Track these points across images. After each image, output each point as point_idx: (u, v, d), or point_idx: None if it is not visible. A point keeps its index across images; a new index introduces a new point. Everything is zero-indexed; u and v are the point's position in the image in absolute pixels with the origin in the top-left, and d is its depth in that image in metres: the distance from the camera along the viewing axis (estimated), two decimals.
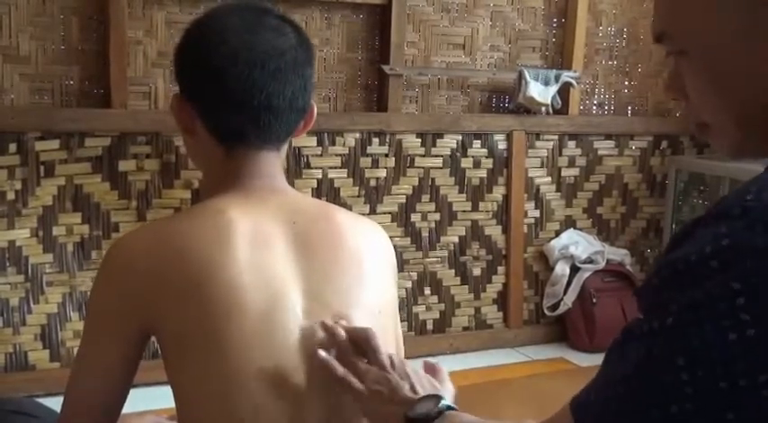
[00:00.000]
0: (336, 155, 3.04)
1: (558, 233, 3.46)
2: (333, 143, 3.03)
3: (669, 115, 3.70)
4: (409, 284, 3.21)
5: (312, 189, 2.99)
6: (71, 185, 2.70)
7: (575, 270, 3.36)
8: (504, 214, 3.35)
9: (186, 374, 1.05)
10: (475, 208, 3.30)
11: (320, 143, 3.00)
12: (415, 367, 1.08)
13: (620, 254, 3.50)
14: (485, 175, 3.30)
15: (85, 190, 2.73)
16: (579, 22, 3.37)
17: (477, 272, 3.33)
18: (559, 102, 3.32)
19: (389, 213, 3.15)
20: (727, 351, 0.64)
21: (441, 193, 3.23)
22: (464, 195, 3.28)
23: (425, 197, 3.20)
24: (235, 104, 1.11)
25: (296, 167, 2.97)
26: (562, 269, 3.36)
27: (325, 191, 3.02)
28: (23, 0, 2.63)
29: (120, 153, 2.74)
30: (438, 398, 1.01)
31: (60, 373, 2.25)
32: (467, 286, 3.32)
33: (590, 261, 3.38)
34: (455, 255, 3.29)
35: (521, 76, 3.22)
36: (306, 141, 2.96)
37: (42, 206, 2.68)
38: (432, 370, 1.13)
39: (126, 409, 1.12)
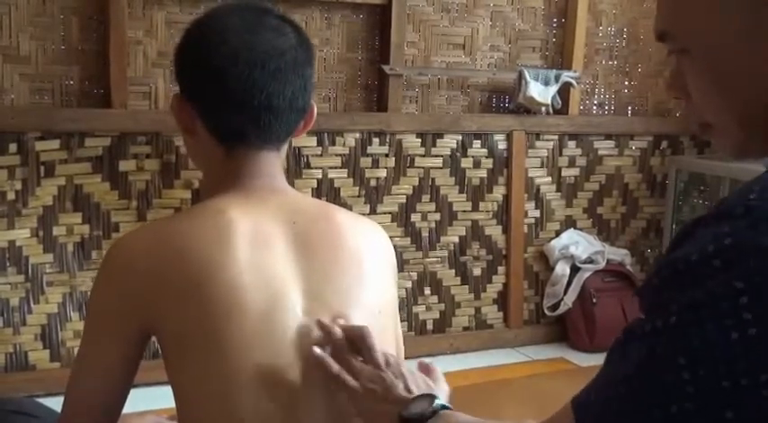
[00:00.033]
0: (336, 155, 3.04)
1: (558, 233, 3.46)
2: (333, 143, 3.03)
3: (669, 115, 3.70)
4: (409, 284, 3.22)
5: (312, 189, 2.99)
6: (71, 185, 2.70)
7: (575, 270, 3.36)
8: (504, 214, 3.35)
9: (186, 374, 1.05)
10: (475, 208, 3.30)
11: (320, 143, 3.00)
12: (410, 367, 1.08)
13: (620, 254, 3.50)
14: (485, 175, 3.30)
15: (86, 190, 2.73)
16: (579, 22, 3.37)
17: (477, 272, 3.33)
18: (559, 102, 3.32)
19: (389, 213, 3.15)
20: (729, 350, 0.64)
21: (441, 193, 3.23)
22: (464, 195, 3.28)
23: (425, 197, 3.20)
24: (235, 104, 1.11)
25: (296, 167, 2.97)
26: (562, 269, 3.36)
27: (326, 191, 3.02)
28: (23, 0, 2.63)
29: (120, 153, 2.75)
30: (432, 397, 1.01)
31: (60, 373, 2.25)
32: (467, 286, 3.32)
33: (590, 261, 3.38)
34: (455, 255, 3.29)
35: (521, 76, 3.22)
36: (306, 141, 2.96)
37: (42, 206, 2.68)
38: (426, 370, 1.13)
39: (126, 409, 1.12)
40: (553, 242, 3.42)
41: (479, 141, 3.27)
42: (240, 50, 1.10)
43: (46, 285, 2.70)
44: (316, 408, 1.05)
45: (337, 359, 1.04)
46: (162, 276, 1.04)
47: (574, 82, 3.33)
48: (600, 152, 3.53)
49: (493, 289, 3.37)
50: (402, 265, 3.11)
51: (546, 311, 3.41)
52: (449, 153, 3.22)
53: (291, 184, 1.30)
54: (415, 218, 3.20)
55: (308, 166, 2.99)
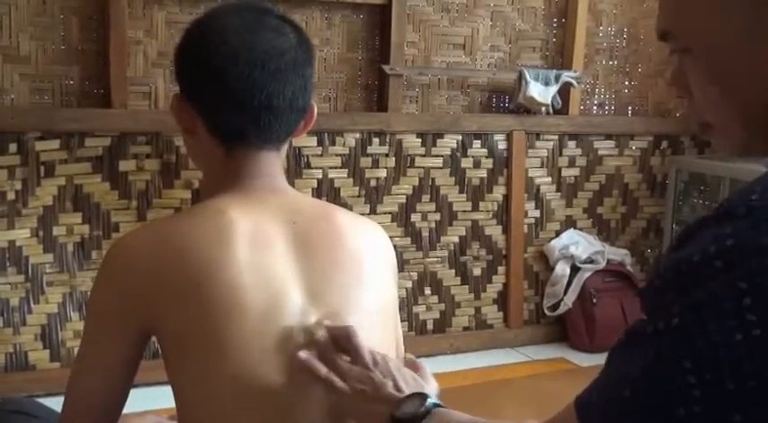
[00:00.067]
0: (337, 155, 3.04)
1: (558, 233, 3.46)
2: (333, 143, 3.03)
3: (669, 115, 3.70)
4: (409, 284, 3.21)
5: (312, 189, 2.99)
6: (71, 185, 2.70)
7: (575, 270, 3.36)
8: (504, 214, 3.35)
9: (186, 374, 1.05)
10: (475, 208, 3.30)
11: (320, 143, 3.00)
12: (398, 364, 1.08)
13: (620, 254, 3.50)
14: (485, 175, 3.30)
15: (86, 190, 2.73)
16: (579, 22, 3.37)
17: (477, 272, 3.33)
18: (559, 102, 3.32)
19: (390, 213, 3.15)
20: (733, 352, 0.64)
21: (441, 193, 3.23)
22: (464, 195, 3.28)
23: (426, 197, 3.20)
24: (235, 104, 1.11)
25: (296, 167, 2.97)
26: (562, 269, 3.36)
27: (326, 191, 3.02)
28: (23, 0, 2.63)
29: (120, 153, 2.75)
30: (424, 396, 1.00)
31: (61, 373, 2.25)
32: (467, 286, 3.32)
33: (590, 261, 3.38)
34: (455, 255, 3.29)
35: (521, 76, 3.22)
36: (306, 141, 2.96)
37: (42, 206, 2.68)
38: (413, 367, 1.12)
39: (126, 409, 1.12)
40: (553, 242, 3.42)
41: (479, 141, 3.27)
42: (240, 50, 1.10)
43: (46, 285, 2.70)
44: (315, 408, 1.05)
45: (324, 361, 1.04)
46: (162, 276, 1.04)
47: (574, 82, 3.33)
48: (600, 152, 3.53)
49: (493, 289, 3.37)
50: (402, 265, 3.11)
51: (546, 311, 3.41)
52: (449, 153, 3.22)
53: (291, 184, 1.30)
54: (415, 218, 3.20)
55: (308, 166, 2.99)
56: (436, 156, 3.21)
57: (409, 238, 3.20)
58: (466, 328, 3.33)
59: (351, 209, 2.85)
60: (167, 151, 2.80)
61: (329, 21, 3.06)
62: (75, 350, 1.15)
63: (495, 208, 3.33)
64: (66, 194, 2.70)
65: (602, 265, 3.38)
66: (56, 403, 1.23)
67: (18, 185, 2.63)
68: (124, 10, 2.71)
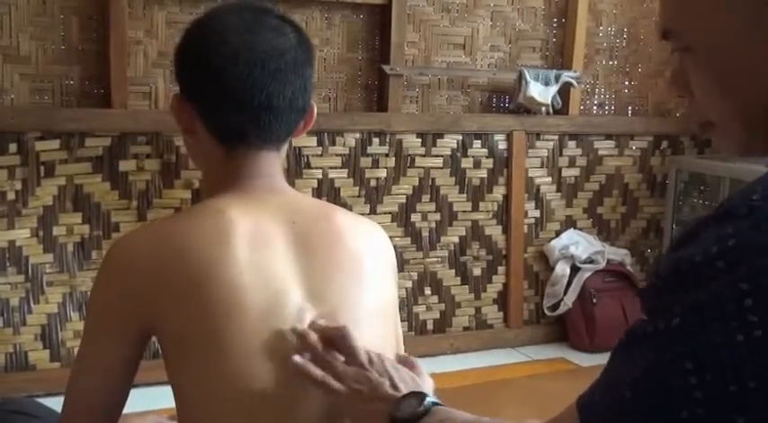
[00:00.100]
0: (337, 155, 3.04)
1: (558, 233, 3.46)
2: (333, 143, 3.03)
3: (669, 115, 3.70)
4: (409, 284, 3.22)
5: (312, 189, 2.99)
6: (71, 185, 2.70)
7: (575, 270, 3.36)
8: (504, 214, 3.35)
9: (186, 374, 1.05)
10: (475, 208, 3.30)
11: (320, 143, 3.00)
12: (394, 363, 1.08)
13: (620, 254, 3.50)
14: (485, 175, 3.30)
15: (86, 190, 2.73)
16: (579, 22, 3.38)
17: (477, 272, 3.33)
18: (560, 102, 3.32)
19: (390, 213, 3.15)
20: (735, 353, 0.63)
21: (441, 193, 3.23)
22: (464, 195, 3.28)
23: (426, 197, 3.20)
24: (235, 104, 1.11)
25: (296, 167, 2.97)
26: (562, 269, 3.36)
27: (326, 191, 3.02)
28: (24, 0, 2.63)
29: (120, 153, 2.75)
30: (422, 395, 1.00)
31: (60, 373, 2.25)
32: (467, 286, 3.32)
33: (590, 261, 3.38)
34: (455, 255, 3.29)
35: (521, 76, 3.22)
36: (306, 141, 2.96)
37: (42, 206, 2.68)
38: (408, 365, 1.12)
39: (126, 409, 1.12)
40: (553, 242, 3.42)
41: (479, 141, 3.27)
42: (240, 50, 1.10)
43: (46, 285, 2.71)
44: (315, 407, 1.05)
45: (319, 363, 1.04)
46: (162, 276, 1.04)
47: (574, 82, 3.33)
48: (600, 152, 3.53)
49: (493, 289, 3.37)
50: (402, 265, 3.12)
51: (546, 311, 3.41)
52: (449, 153, 3.22)
53: (292, 184, 1.30)
54: (415, 218, 3.20)
55: (308, 166, 2.99)
56: (436, 156, 3.21)
57: (409, 238, 3.20)
58: (466, 328, 3.33)
59: (351, 209, 2.85)
60: (167, 151, 2.80)
61: (329, 21, 3.06)
62: (76, 350, 1.15)
63: (496, 208, 3.33)
64: (66, 194, 2.70)
65: (602, 265, 3.38)
66: (56, 403, 1.23)
67: (18, 185, 2.63)
68: (124, 10, 2.71)
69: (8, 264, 2.65)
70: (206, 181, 1.26)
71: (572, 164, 3.47)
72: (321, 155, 3.01)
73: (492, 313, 3.38)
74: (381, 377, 1.03)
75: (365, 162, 3.08)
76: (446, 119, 3.22)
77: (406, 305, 3.19)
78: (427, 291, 3.26)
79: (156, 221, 1.65)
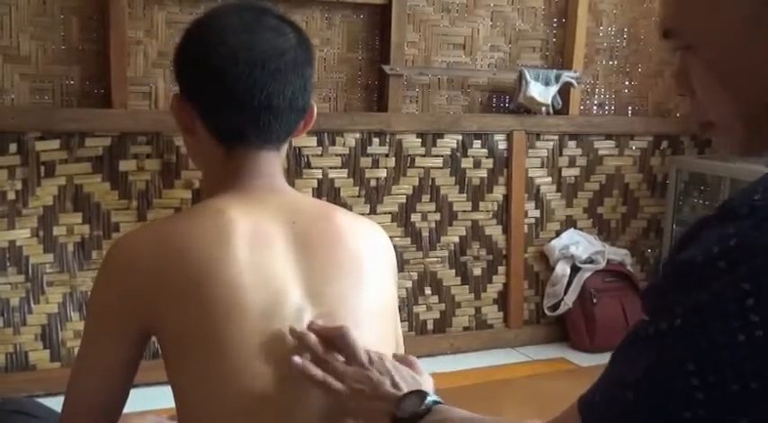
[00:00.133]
0: (337, 155, 3.04)
1: (558, 233, 3.46)
2: (333, 143, 3.03)
3: (669, 115, 3.70)
4: (410, 284, 3.21)
5: (312, 189, 2.99)
6: (71, 185, 2.70)
7: (575, 270, 3.36)
8: (504, 214, 3.35)
9: (186, 374, 1.05)
10: (475, 208, 3.30)
11: (320, 143, 3.00)
12: (394, 362, 1.08)
13: (620, 254, 3.50)
14: (485, 175, 3.30)
15: (86, 190, 2.73)
16: (579, 22, 3.37)
17: (477, 272, 3.33)
18: (560, 102, 3.32)
19: (390, 213, 3.15)
20: (736, 353, 0.63)
21: (441, 193, 3.23)
22: (464, 195, 3.28)
23: (426, 197, 3.20)
24: (235, 104, 1.11)
25: (296, 167, 2.97)
26: (562, 269, 3.36)
27: (326, 191, 3.02)
28: (24, 0, 2.63)
29: (120, 153, 2.75)
30: (422, 393, 1.00)
31: (61, 373, 2.25)
32: (467, 286, 3.32)
33: (590, 261, 3.38)
34: (455, 255, 3.29)
35: (521, 76, 3.22)
36: (306, 141, 2.96)
37: (43, 206, 2.68)
38: (407, 364, 1.12)
39: (126, 409, 1.12)
40: (553, 242, 3.42)
41: (480, 141, 3.27)
42: (239, 50, 1.10)
43: (46, 285, 2.71)
44: (315, 407, 1.05)
45: (320, 363, 1.04)
46: (162, 276, 1.04)
47: (574, 82, 3.33)
48: (600, 152, 3.53)
49: (493, 289, 3.37)
50: (402, 265, 3.12)
51: (546, 311, 3.41)
52: (449, 153, 3.22)
53: (292, 184, 1.30)
54: (415, 218, 3.20)
55: (308, 165, 2.99)
56: (436, 156, 3.21)
57: (409, 238, 3.20)
58: (466, 328, 3.33)
59: (351, 209, 2.85)
60: (167, 151, 2.80)
61: (329, 21, 3.06)
62: (76, 350, 1.15)
63: (496, 208, 3.33)
64: (66, 194, 2.70)
65: (603, 265, 3.38)
66: (56, 403, 1.23)
67: (18, 185, 2.63)
68: (124, 10, 2.71)
69: (8, 264, 2.65)
70: (206, 181, 1.26)
71: (572, 164, 3.47)
72: (321, 155, 3.01)
73: (492, 313, 3.38)
74: (382, 376, 1.03)
75: (365, 162, 3.08)
76: (446, 119, 3.22)
77: (406, 305, 3.19)
78: (427, 291, 3.26)
79: (156, 221, 1.65)
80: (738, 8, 0.73)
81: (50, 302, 2.71)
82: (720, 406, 0.65)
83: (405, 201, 3.17)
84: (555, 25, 3.43)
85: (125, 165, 2.76)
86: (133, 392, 1.11)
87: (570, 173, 3.47)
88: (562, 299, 3.35)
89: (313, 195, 2.92)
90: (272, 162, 1.16)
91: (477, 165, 3.28)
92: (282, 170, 1.21)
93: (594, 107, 3.59)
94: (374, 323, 1.11)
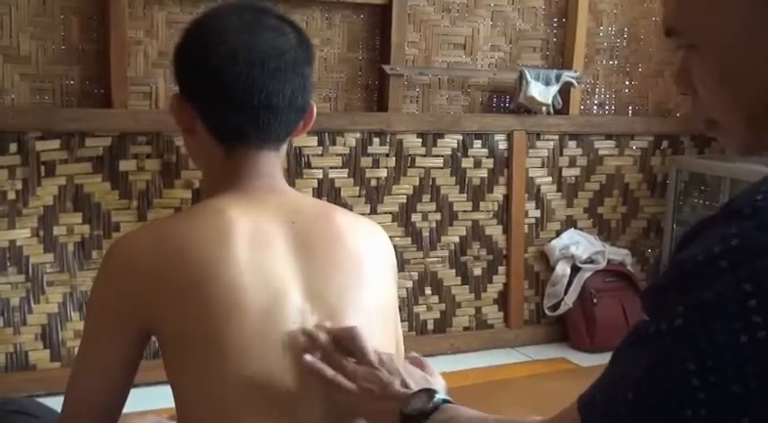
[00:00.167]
0: (337, 155, 3.04)
1: (558, 233, 3.46)
2: (333, 143, 3.02)
3: (670, 115, 3.70)
4: (410, 284, 3.21)
5: (313, 189, 2.99)
6: (72, 185, 2.70)
7: (575, 270, 3.36)
8: (504, 214, 3.35)
9: (186, 374, 1.05)
10: (475, 208, 3.30)
11: (321, 143, 3.00)
12: (404, 363, 1.08)
13: (620, 254, 3.50)
14: (485, 175, 3.30)
15: (86, 190, 2.73)
16: (580, 21, 3.37)
17: (477, 272, 3.33)
18: (560, 102, 3.32)
19: (390, 213, 3.15)
20: (738, 354, 0.63)
21: (441, 193, 3.23)
22: (465, 195, 3.27)
23: (426, 197, 3.20)
24: (234, 104, 1.11)
25: (297, 167, 2.97)
26: (563, 269, 3.36)
27: (326, 191, 3.02)
28: (24, 0, 2.63)
29: (120, 153, 2.75)
30: (432, 392, 1.00)
31: (61, 373, 2.25)
32: (467, 286, 3.32)
33: (591, 261, 3.38)
34: (456, 255, 3.29)
35: (521, 76, 3.22)
36: (306, 141, 2.96)
37: (43, 206, 2.68)
38: (419, 365, 1.12)
39: (126, 408, 1.12)
40: (554, 242, 3.42)
41: (480, 141, 3.27)
42: (239, 50, 1.10)
43: (46, 285, 2.71)
44: (315, 408, 1.05)
45: (330, 363, 1.04)
46: (162, 276, 1.04)
47: (574, 82, 3.32)
48: (600, 152, 3.52)
49: (493, 289, 3.37)
50: (402, 265, 3.12)
51: (546, 311, 3.41)
52: (449, 153, 3.22)
53: (292, 183, 1.30)
54: (415, 218, 3.20)
55: (308, 165, 2.99)
56: (437, 156, 3.21)
57: (410, 238, 3.20)
58: (466, 328, 3.33)
59: (351, 209, 2.85)
60: (168, 151, 2.80)
61: (330, 21, 3.06)
62: (76, 350, 1.15)
63: (496, 208, 3.33)
64: (66, 194, 2.70)
65: (603, 265, 3.38)
66: (56, 403, 1.22)
67: (18, 185, 2.63)
68: (124, 10, 2.71)
69: (9, 263, 2.65)
70: (206, 181, 1.26)
71: (572, 164, 3.47)
72: (321, 155, 3.01)
73: (492, 313, 3.38)
74: (392, 376, 1.03)
75: (365, 162, 3.08)
76: (446, 119, 3.22)
77: (407, 305, 3.19)
78: (428, 291, 3.25)
79: (157, 221, 1.65)
80: (738, 8, 0.73)
81: (50, 302, 2.71)
82: (721, 406, 0.65)
83: (405, 201, 3.17)
84: (555, 25, 3.43)
85: (125, 165, 2.76)
86: (133, 392, 1.11)
87: (570, 173, 3.47)
88: (562, 299, 3.35)
89: (313, 195, 2.92)
90: (272, 162, 1.16)
91: (477, 165, 3.28)
92: (282, 170, 1.21)
93: (595, 107, 3.59)
94: (374, 323, 1.11)
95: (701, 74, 0.77)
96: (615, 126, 3.55)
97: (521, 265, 3.39)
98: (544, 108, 3.26)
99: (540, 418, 0.87)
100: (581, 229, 3.50)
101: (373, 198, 3.11)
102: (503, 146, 3.31)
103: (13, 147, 2.61)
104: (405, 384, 1.02)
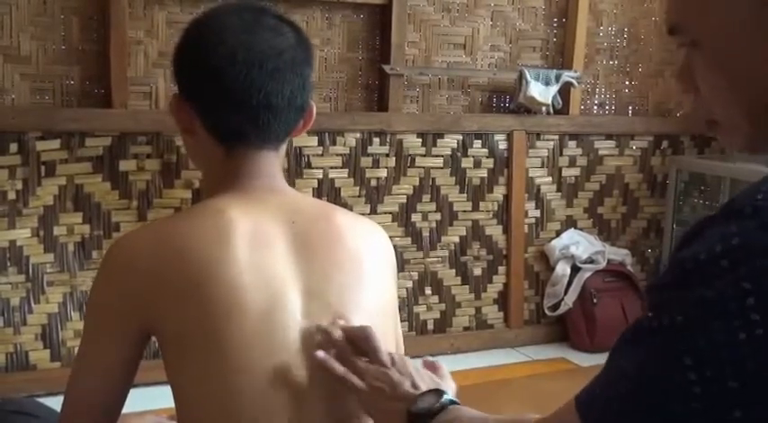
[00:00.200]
0: (337, 155, 3.04)
1: (558, 233, 3.46)
2: (333, 143, 3.03)
3: (670, 115, 3.70)
4: (410, 284, 3.22)
5: (313, 189, 2.99)
6: (72, 185, 2.70)
7: (575, 270, 3.36)
8: (504, 214, 3.35)
9: (186, 374, 1.05)
10: (475, 208, 3.30)
11: (321, 143, 3.00)
12: (416, 364, 1.09)
13: (620, 254, 3.50)
14: (485, 175, 3.30)
15: (86, 190, 2.73)
16: (580, 21, 3.37)
17: (477, 272, 3.33)
18: (560, 102, 3.32)
19: (390, 213, 3.15)
20: (736, 351, 0.64)
21: (441, 193, 3.23)
22: (465, 195, 3.28)
23: (426, 197, 3.20)
24: (234, 104, 1.11)
25: (297, 167, 2.97)
26: (563, 269, 3.36)
27: (326, 191, 3.02)
28: (24, 0, 2.63)
29: (120, 153, 2.75)
30: (440, 392, 1.01)
31: (61, 373, 2.25)
32: (467, 286, 3.32)
33: (591, 261, 3.38)
34: (456, 255, 3.29)
35: (521, 76, 3.22)
36: (307, 141, 2.96)
37: (43, 206, 2.68)
38: (432, 367, 1.13)
39: (126, 408, 1.12)
40: (554, 242, 3.42)
41: (480, 141, 3.27)
42: (238, 50, 1.10)
43: (46, 285, 2.71)
44: (315, 408, 1.05)
45: (342, 361, 1.05)
46: (162, 276, 1.04)
47: (574, 82, 3.33)
48: (600, 152, 3.53)
49: (493, 289, 3.37)
50: (402, 264, 3.12)
51: (546, 311, 3.41)
52: (449, 153, 3.22)
53: (292, 183, 1.30)
54: (415, 218, 3.20)
55: (308, 165, 2.99)
56: (437, 156, 3.21)
57: (410, 238, 3.20)
58: (466, 328, 3.33)
59: (351, 209, 2.85)
60: (168, 151, 2.80)
61: (330, 21, 3.06)
62: (76, 350, 1.15)
63: (496, 208, 3.33)
64: (66, 194, 2.70)
65: (603, 265, 3.38)
66: (56, 403, 1.22)
67: (19, 185, 2.63)
68: (125, 10, 2.71)
69: (9, 263, 2.65)
70: (206, 181, 1.26)
71: (572, 164, 3.47)
72: (321, 155, 3.01)
73: (492, 313, 3.38)
74: (402, 377, 1.03)
75: (365, 162, 3.08)
76: (446, 119, 3.22)
77: (407, 305, 3.19)
78: (428, 291, 3.26)
79: (157, 221, 1.65)
80: (737, 9, 0.73)
81: (51, 302, 2.72)
82: (717, 401, 0.65)
83: (405, 201, 3.17)
84: (555, 25, 3.43)
85: (125, 165, 2.76)
86: (133, 392, 1.11)
87: (570, 173, 3.47)
88: (562, 299, 3.35)
89: (313, 195, 2.92)
90: (272, 162, 1.16)
91: (477, 165, 3.28)
92: (282, 170, 1.21)
93: (595, 107, 3.59)
94: (374, 323, 1.11)
95: (704, 72, 0.78)
96: (615, 126, 3.55)
97: (521, 265, 3.39)
98: (544, 108, 3.26)
99: (538, 417, 0.87)
100: (581, 229, 3.50)
101: (373, 198, 3.11)
102: (503, 146, 3.31)
103: (14, 147, 2.61)
104: (415, 385, 1.03)
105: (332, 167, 3.03)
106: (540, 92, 3.22)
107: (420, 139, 3.17)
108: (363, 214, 2.49)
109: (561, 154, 3.44)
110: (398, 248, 3.07)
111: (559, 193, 3.46)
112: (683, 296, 0.68)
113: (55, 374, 2.58)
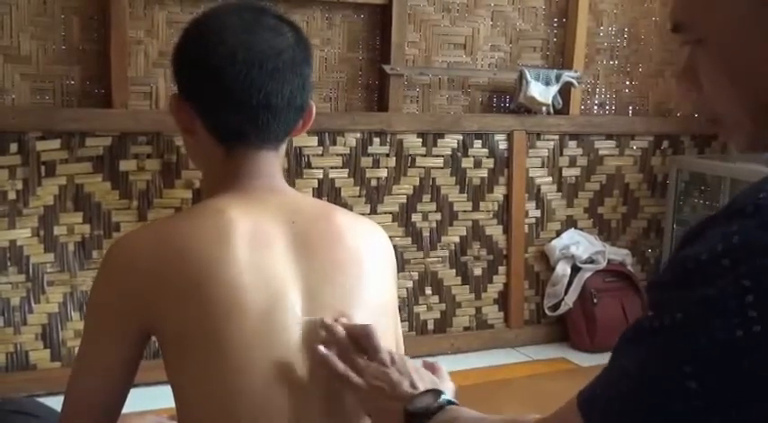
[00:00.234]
0: (337, 155, 3.04)
1: (558, 233, 3.46)
2: (334, 143, 3.03)
3: (670, 115, 3.70)
4: (410, 284, 3.22)
5: (313, 189, 2.99)
6: (72, 185, 2.71)
7: (576, 270, 3.36)
8: (504, 214, 3.35)
9: (186, 374, 1.05)
10: (476, 208, 3.30)
11: (321, 143, 3.00)
12: (415, 364, 1.09)
13: (621, 254, 3.50)
14: (485, 175, 3.30)
15: (86, 190, 2.73)
16: (580, 21, 3.37)
17: (477, 272, 3.33)
18: (560, 102, 3.32)
19: (390, 213, 3.15)
20: (734, 347, 0.64)
21: (441, 193, 3.23)
22: (465, 195, 3.28)
23: (426, 197, 3.20)
24: (233, 104, 1.11)
25: (297, 167, 2.97)
26: (563, 269, 3.36)
27: (326, 191, 3.02)
28: (24, 0, 2.63)
29: (120, 153, 2.75)
30: (438, 392, 1.01)
31: (61, 373, 2.25)
32: (468, 286, 3.32)
33: (591, 261, 3.38)
34: (456, 255, 3.29)
35: (522, 76, 3.22)
36: (307, 141, 2.96)
37: (43, 206, 2.68)
38: (431, 368, 1.13)
39: (126, 408, 1.12)
40: (554, 242, 3.42)
41: (480, 141, 3.27)
42: (238, 50, 1.10)
43: (47, 285, 2.71)
44: (315, 408, 1.05)
45: (342, 358, 1.05)
46: (162, 276, 1.04)
47: (575, 82, 3.32)
48: (601, 152, 3.53)
49: (493, 289, 3.37)
50: (403, 264, 3.12)
51: (546, 311, 3.41)
52: (449, 153, 3.22)
53: (292, 183, 1.30)
54: (415, 218, 3.20)
55: (308, 165, 2.99)
56: (437, 156, 3.21)
57: (410, 238, 3.20)
58: (466, 328, 3.33)
59: (351, 209, 2.85)
60: (168, 151, 2.80)
61: (330, 21, 3.06)
62: (76, 350, 1.15)
63: (496, 208, 3.33)
64: (66, 194, 2.70)
65: (603, 265, 3.38)
66: (56, 403, 1.23)
67: (19, 185, 2.64)
68: (125, 10, 2.71)
69: (9, 263, 2.65)
70: (206, 181, 1.26)
71: (573, 164, 3.47)
72: (322, 155, 3.01)
73: (492, 313, 3.38)
74: (402, 376, 1.04)
75: (366, 162, 3.08)
76: (447, 119, 3.22)
77: (407, 305, 3.19)
78: (428, 291, 3.26)
79: (157, 221, 1.65)
80: (736, 7, 0.73)
81: (51, 302, 2.72)
82: (716, 399, 0.66)
83: (405, 201, 3.17)
84: (555, 25, 3.43)
85: (125, 164, 2.76)
86: (133, 392, 1.11)
87: (571, 173, 3.47)
88: (562, 299, 3.35)
89: (313, 195, 2.92)
90: (272, 162, 1.16)
91: (477, 165, 3.28)
92: (282, 170, 1.21)
93: (595, 107, 3.59)
94: (374, 323, 1.11)
95: (708, 69, 0.78)
96: (615, 126, 3.55)
97: (521, 265, 3.39)
98: (544, 108, 3.26)
99: (538, 417, 0.87)
100: (581, 229, 3.50)
101: (373, 198, 3.11)
102: (503, 146, 3.31)
103: (14, 147, 2.61)
104: (413, 385, 1.03)
105: (332, 167, 3.03)
106: (541, 92, 3.22)
107: (420, 139, 3.17)
108: (363, 214, 2.49)
109: (561, 154, 3.44)
110: (398, 248, 3.07)
111: (560, 193, 3.46)
112: (685, 295, 0.68)
113: (55, 374, 2.58)
